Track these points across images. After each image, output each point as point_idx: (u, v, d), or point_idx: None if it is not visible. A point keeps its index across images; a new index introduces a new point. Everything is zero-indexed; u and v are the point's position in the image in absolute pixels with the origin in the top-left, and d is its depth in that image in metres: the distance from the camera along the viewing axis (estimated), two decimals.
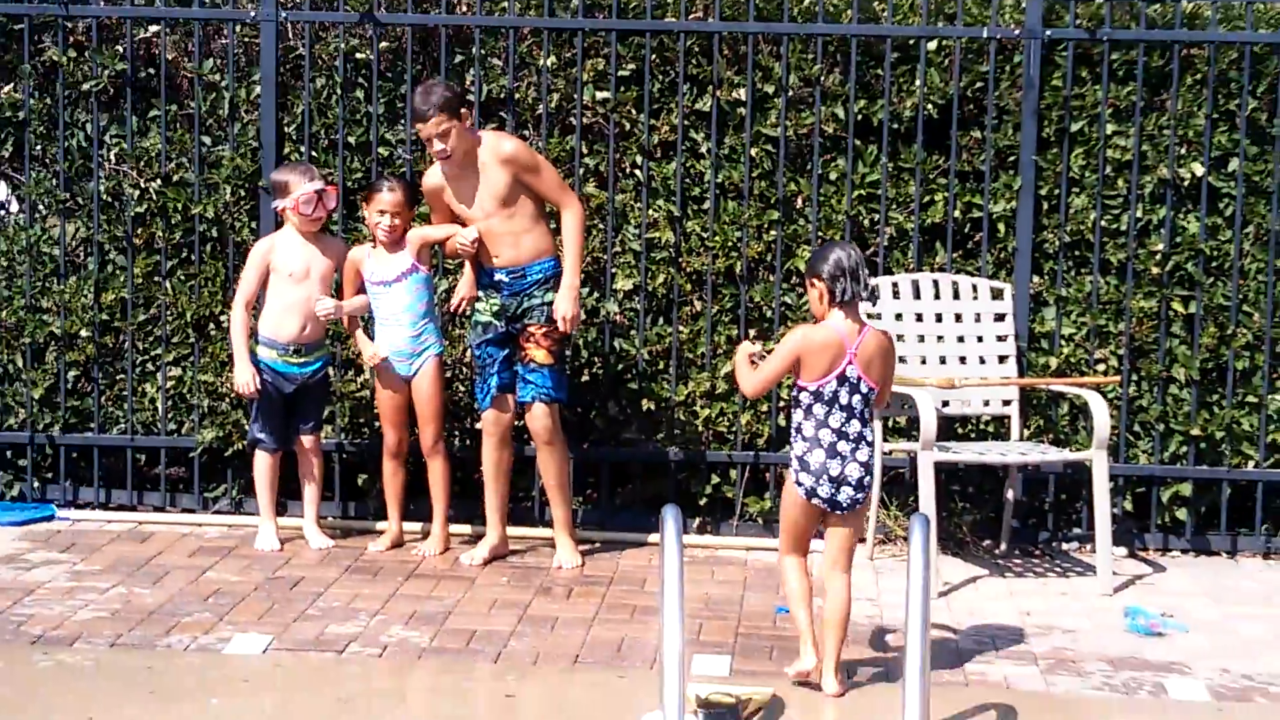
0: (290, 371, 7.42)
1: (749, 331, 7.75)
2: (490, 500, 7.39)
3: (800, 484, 5.71)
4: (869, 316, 6.03)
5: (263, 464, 7.50)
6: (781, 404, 7.81)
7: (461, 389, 7.91)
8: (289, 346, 7.39)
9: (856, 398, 5.69)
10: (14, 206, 8.27)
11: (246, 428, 7.69)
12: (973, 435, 7.81)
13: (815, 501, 5.71)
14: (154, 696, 5.57)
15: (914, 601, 5.03)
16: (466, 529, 7.66)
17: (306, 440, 7.51)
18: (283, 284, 7.38)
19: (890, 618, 6.59)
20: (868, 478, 5.73)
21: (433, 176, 7.25)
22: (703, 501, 7.84)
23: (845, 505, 5.71)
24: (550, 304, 7.17)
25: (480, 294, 7.27)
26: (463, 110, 7.03)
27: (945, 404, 7.43)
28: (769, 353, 5.84)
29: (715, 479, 7.87)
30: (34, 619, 6.34)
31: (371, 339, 7.45)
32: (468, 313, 7.40)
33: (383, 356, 7.37)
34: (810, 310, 5.92)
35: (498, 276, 7.20)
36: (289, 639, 6.19)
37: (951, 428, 7.72)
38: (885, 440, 7.42)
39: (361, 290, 7.43)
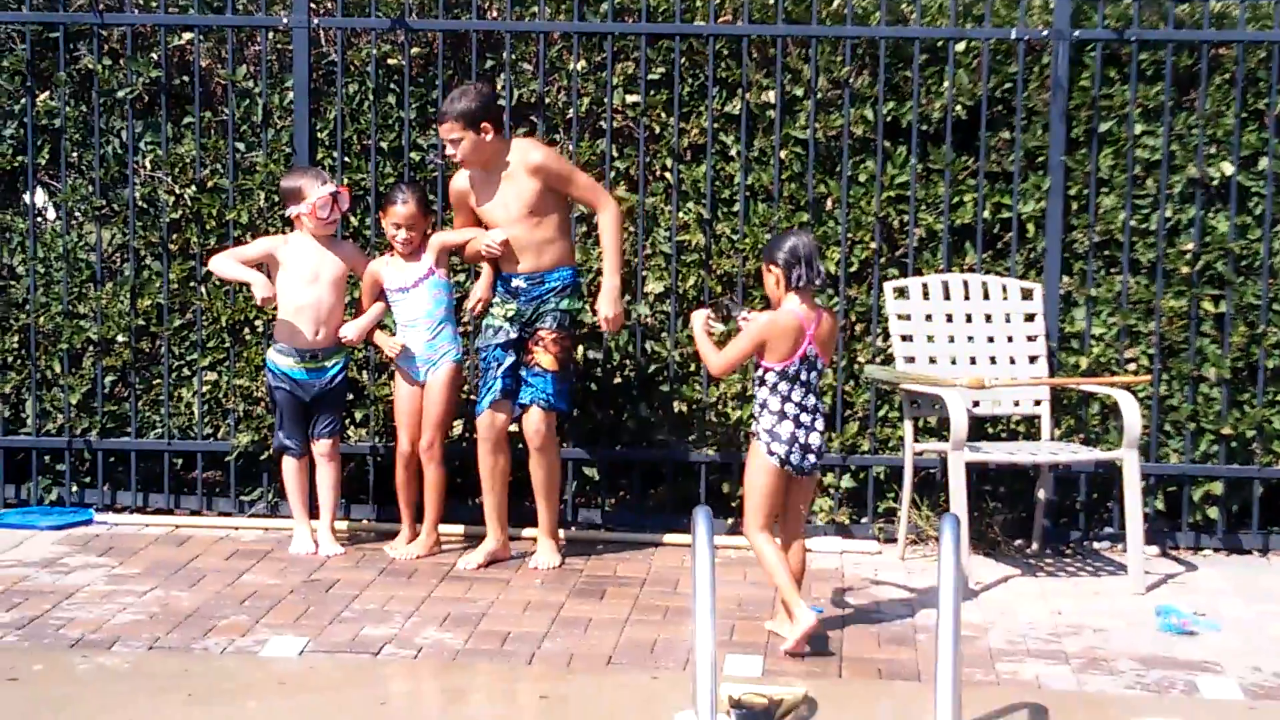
0: (307, 379, 7.44)
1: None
2: (489, 504, 7.37)
3: (773, 453, 6.20)
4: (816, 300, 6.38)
5: (290, 469, 7.54)
6: None
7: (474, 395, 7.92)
8: (305, 353, 7.42)
9: (814, 374, 6.25)
10: (51, 213, 8.34)
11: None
12: (1003, 435, 7.82)
13: (786, 468, 6.22)
14: (192, 699, 5.62)
15: (945, 601, 5.05)
16: (459, 528, 7.74)
17: (323, 444, 7.53)
18: (293, 287, 7.40)
19: (922, 617, 6.61)
20: (824, 445, 6.28)
21: (459, 180, 7.29)
22: (734, 503, 7.87)
23: (808, 470, 6.28)
24: (565, 311, 7.20)
25: (496, 298, 7.30)
26: (484, 124, 7.04)
27: (976, 404, 7.45)
28: (726, 319, 6.47)
29: None
30: (73, 622, 6.40)
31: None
32: (479, 315, 7.42)
33: (401, 344, 7.40)
34: (767, 292, 6.31)
35: (515, 283, 7.22)
36: (325, 641, 6.24)
37: (982, 428, 7.73)
38: (916, 440, 7.44)
39: (378, 299, 7.48)
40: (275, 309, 7.41)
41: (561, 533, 7.70)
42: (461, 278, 7.83)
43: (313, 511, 7.64)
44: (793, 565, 6.31)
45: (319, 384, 7.46)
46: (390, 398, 7.86)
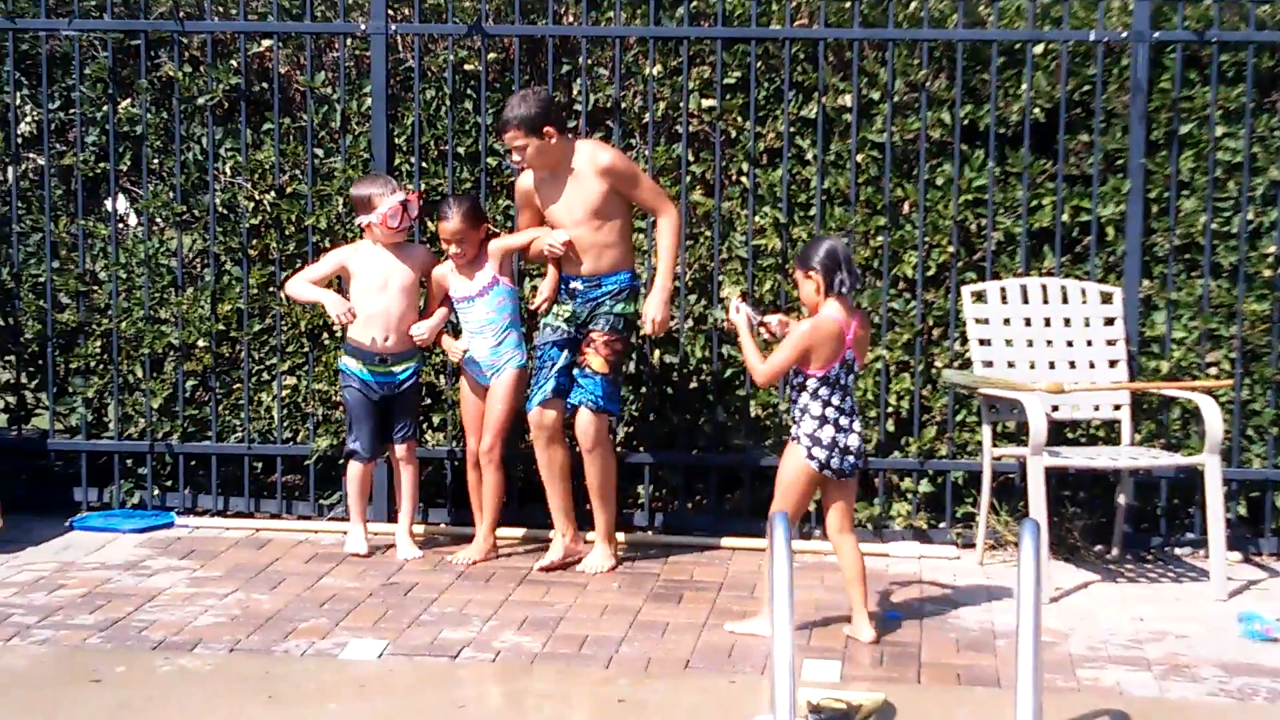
0: (378, 380, 7.46)
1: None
2: (552, 502, 7.38)
3: (814, 458, 6.25)
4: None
5: (355, 472, 7.56)
6: (890, 410, 7.81)
7: None
8: (374, 356, 7.43)
9: (851, 377, 6.32)
10: (132, 220, 8.43)
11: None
12: (1083, 440, 7.77)
13: (826, 473, 6.27)
14: (272, 701, 5.66)
15: (1025, 606, 5.01)
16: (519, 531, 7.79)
17: (400, 449, 7.56)
18: (363, 295, 7.42)
19: (1001, 623, 6.58)
20: (862, 445, 6.34)
21: (525, 180, 7.32)
22: (811, 507, 7.83)
23: (848, 472, 6.31)
24: (619, 315, 7.21)
25: (557, 298, 7.32)
26: (545, 128, 7.04)
27: (1055, 409, 7.40)
28: (763, 325, 6.44)
29: None
30: (155, 624, 6.46)
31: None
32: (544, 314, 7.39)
33: (464, 349, 7.42)
34: (802, 299, 6.35)
35: (573, 284, 7.24)
36: (404, 644, 6.26)
37: (1061, 432, 7.68)
38: (994, 445, 7.41)
39: (445, 303, 7.50)
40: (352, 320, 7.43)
41: (635, 536, 7.70)
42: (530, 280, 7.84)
43: (391, 515, 7.68)
44: (852, 564, 6.34)
45: (389, 387, 7.48)
46: None
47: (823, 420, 6.24)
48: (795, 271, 6.43)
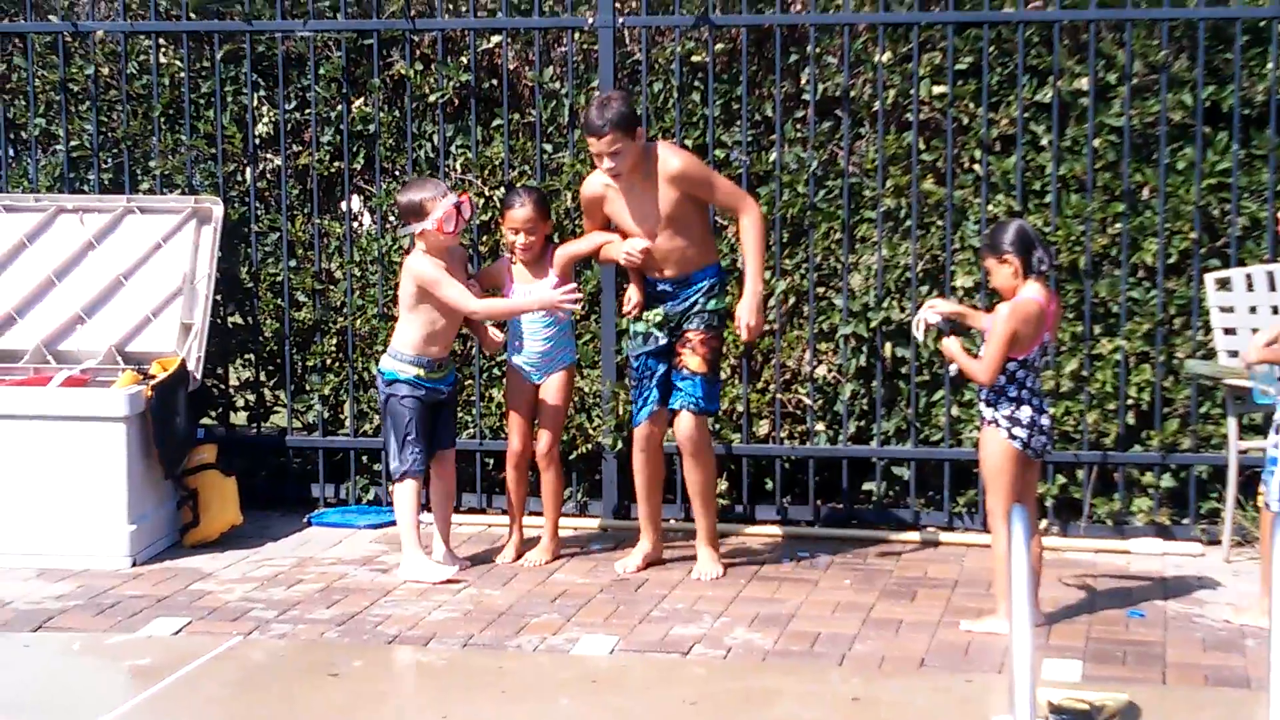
0: (435, 387, 7.20)
1: (1092, 328, 7.57)
2: (644, 511, 7.23)
3: (1015, 438, 6.21)
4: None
5: (414, 494, 7.16)
6: (1130, 402, 7.60)
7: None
8: (435, 363, 7.18)
9: (1044, 359, 6.32)
10: (366, 219, 8.54)
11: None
12: None
13: (1028, 453, 6.23)
14: (505, 696, 5.69)
15: (1277, 604, 4.82)
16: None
17: (448, 455, 7.38)
18: (439, 311, 7.12)
19: (1251, 623, 6.35)
20: (1052, 425, 6.41)
21: (593, 185, 7.09)
22: (1049, 502, 7.67)
23: (1043, 452, 6.33)
24: (712, 311, 7.02)
25: (645, 300, 7.12)
26: (639, 129, 6.88)
27: None
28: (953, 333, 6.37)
29: (1061, 479, 7.70)
30: (390, 619, 6.53)
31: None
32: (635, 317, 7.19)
33: (501, 340, 7.30)
34: (998, 286, 6.28)
35: (661, 287, 7.05)
36: (635, 640, 6.25)
37: None
38: (1240, 438, 7.16)
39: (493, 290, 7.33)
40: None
41: (862, 532, 7.60)
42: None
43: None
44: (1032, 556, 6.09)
45: (444, 393, 7.26)
46: None
47: (1019, 401, 6.21)
48: (986, 259, 6.33)
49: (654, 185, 6.93)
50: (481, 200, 8.11)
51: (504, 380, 7.63)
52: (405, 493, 7.14)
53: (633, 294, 7.15)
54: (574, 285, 7.19)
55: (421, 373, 7.14)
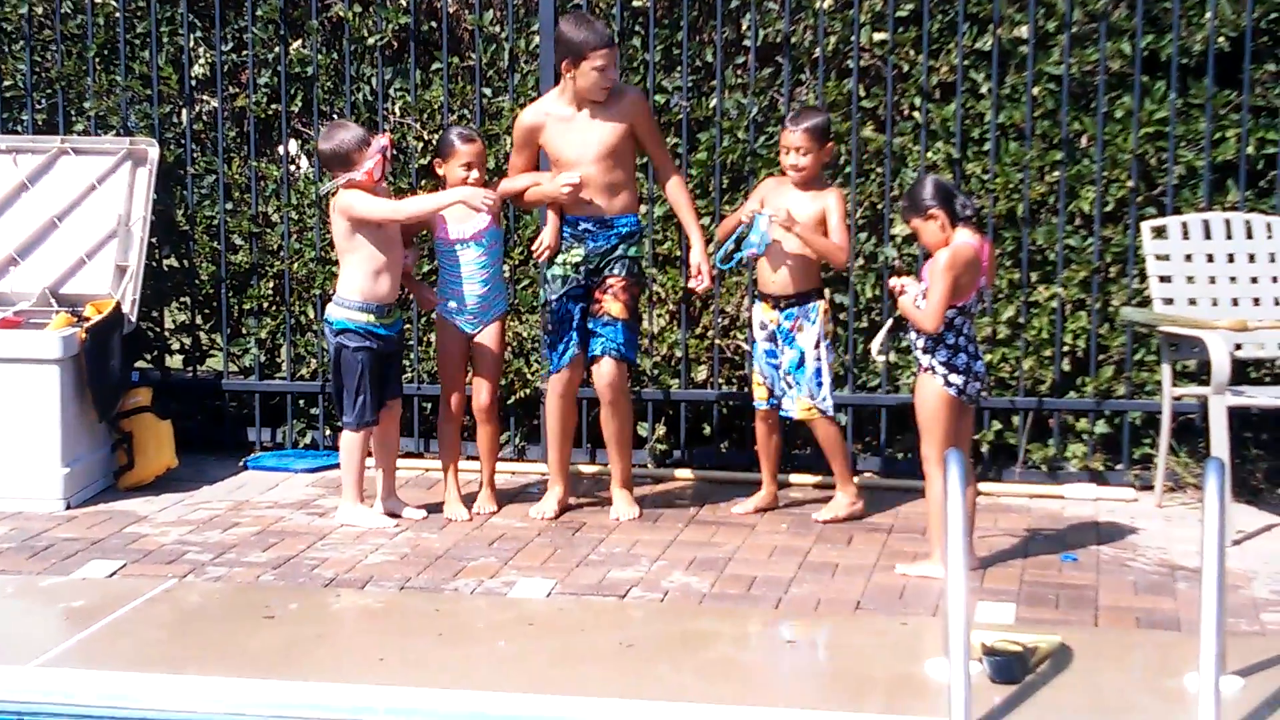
0: (387, 335, 7.09)
1: (1029, 276, 7.61)
2: (554, 457, 7.22)
3: (951, 384, 6.21)
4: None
5: (362, 444, 7.11)
6: (1065, 349, 7.65)
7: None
8: (386, 308, 7.06)
9: (980, 305, 6.41)
10: (304, 163, 8.48)
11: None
12: (1267, 380, 7.55)
13: (963, 399, 6.25)
14: (442, 638, 5.68)
15: (1209, 548, 4.86)
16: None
17: (394, 405, 7.29)
18: (376, 245, 6.96)
19: (1180, 566, 6.41)
20: (985, 370, 6.38)
21: (532, 116, 7.07)
22: (984, 448, 7.72)
23: (977, 398, 6.38)
24: (632, 258, 7.03)
25: (561, 244, 7.08)
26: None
27: (1238, 347, 7.18)
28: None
29: (997, 425, 7.74)
30: (327, 562, 6.52)
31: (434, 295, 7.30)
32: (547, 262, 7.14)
33: (438, 301, 7.23)
34: (927, 244, 6.29)
35: (584, 226, 7.01)
36: (572, 584, 6.26)
37: (1244, 372, 7.46)
38: (1174, 385, 7.21)
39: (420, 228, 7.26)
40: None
41: (802, 478, 7.64)
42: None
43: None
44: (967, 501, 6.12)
45: (393, 339, 7.16)
46: None
47: (956, 349, 6.22)
48: (911, 221, 6.32)
49: (603, 115, 6.93)
50: (420, 144, 8.07)
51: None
52: (353, 443, 7.09)
53: (545, 236, 7.08)
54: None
55: (372, 318, 7.00)
